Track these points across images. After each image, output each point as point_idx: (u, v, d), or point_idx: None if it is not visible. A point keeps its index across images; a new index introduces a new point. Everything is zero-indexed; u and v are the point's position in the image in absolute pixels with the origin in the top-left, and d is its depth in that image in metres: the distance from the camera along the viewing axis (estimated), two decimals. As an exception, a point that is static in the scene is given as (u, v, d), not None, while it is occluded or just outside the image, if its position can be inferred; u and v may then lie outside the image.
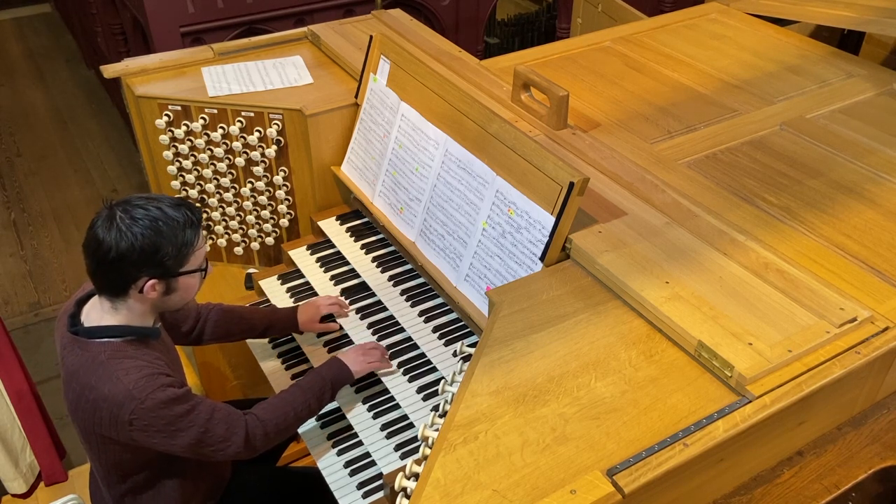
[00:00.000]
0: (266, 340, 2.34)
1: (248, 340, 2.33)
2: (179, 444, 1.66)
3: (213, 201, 2.69)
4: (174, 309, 1.77)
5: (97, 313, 1.70)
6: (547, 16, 6.28)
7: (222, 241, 2.79)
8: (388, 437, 1.94)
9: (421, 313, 2.13)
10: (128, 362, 1.63)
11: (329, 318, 2.22)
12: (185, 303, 1.75)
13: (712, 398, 1.46)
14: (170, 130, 2.55)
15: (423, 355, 2.05)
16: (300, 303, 2.24)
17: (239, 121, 2.49)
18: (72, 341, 1.68)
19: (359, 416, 2.00)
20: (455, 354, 1.93)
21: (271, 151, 2.50)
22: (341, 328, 2.21)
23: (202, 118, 2.51)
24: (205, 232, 2.72)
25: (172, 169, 2.64)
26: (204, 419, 1.67)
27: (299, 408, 1.85)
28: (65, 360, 1.70)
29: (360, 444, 1.99)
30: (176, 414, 1.63)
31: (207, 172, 2.63)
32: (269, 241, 2.75)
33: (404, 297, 2.19)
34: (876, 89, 2.57)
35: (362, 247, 2.40)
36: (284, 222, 2.66)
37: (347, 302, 2.25)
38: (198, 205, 2.69)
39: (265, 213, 2.68)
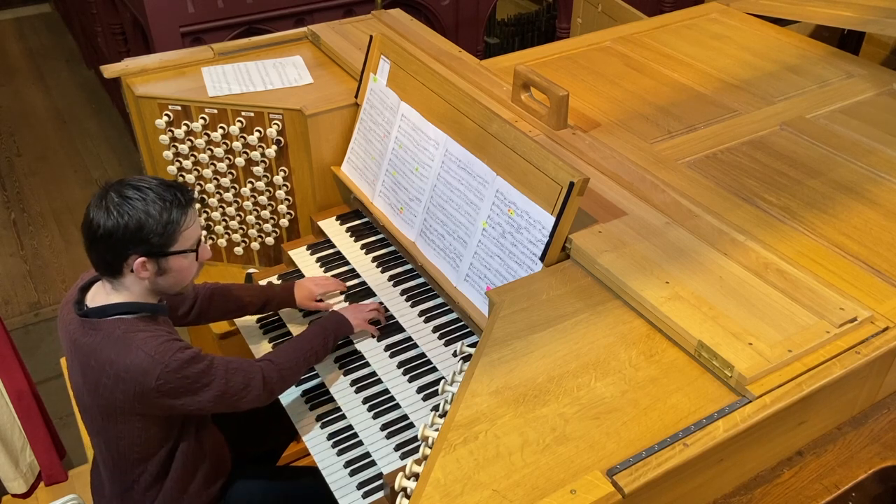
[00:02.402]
0: (266, 341, 2.34)
1: (246, 339, 2.34)
2: (206, 398, 1.73)
3: (213, 201, 2.69)
4: (171, 292, 1.80)
5: (103, 296, 1.75)
6: (547, 16, 6.29)
7: (222, 241, 2.79)
8: (388, 437, 1.94)
9: (421, 313, 2.13)
10: (142, 334, 1.69)
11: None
12: (181, 286, 1.79)
13: (712, 398, 1.46)
14: (170, 130, 2.55)
15: (423, 355, 2.05)
16: (296, 280, 2.28)
17: (239, 121, 2.49)
18: (82, 324, 1.72)
19: (359, 416, 2.00)
20: (455, 354, 1.93)
21: (271, 151, 2.50)
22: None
23: (202, 118, 2.51)
24: (209, 236, 2.74)
25: (172, 169, 2.64)
26: (223, 371, 1.76)
27: (307, 353, 1.98)
28: (77, 343, 1.73)
29: (360, 444, 1.99)
30: (198, 371, 1.70)
31: (207, 172, 2.63)
32: (269, 241, 2.75)
33: (404, 297, 2.19)
34: (876, 89, 2.57)
35: (362, 247, 2.40)
36: (284, 222, 2.66)
37: (343, 297, 2.26)
38: (197, 205, 2.69)
39: (265, 213, 2.68)
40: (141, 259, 1.66)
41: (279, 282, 2.45)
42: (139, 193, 1.65)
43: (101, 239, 1.64)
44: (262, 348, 2.30)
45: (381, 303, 2.20)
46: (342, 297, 2.27)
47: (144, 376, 1.65)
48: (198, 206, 2.69)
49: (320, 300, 2.25)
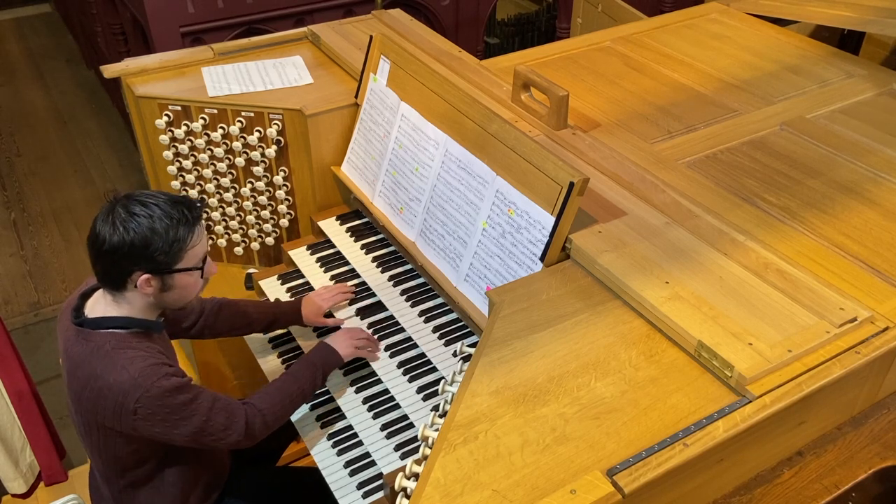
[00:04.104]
0: (266, 340, 2.34)
1: (247, 339, 2.34)
2: (182, 433, 1.68)
3: (213, 201, 2.69)
4: (174, 308, 1.78)
5: (101, 306, 1.73)
6: (547, 16, 6.29)
7: (222, 241, 2.79)
8: (388, 437, 1.94)
9: (421, 313, 2.13)
10: (132, 352, 1.66)
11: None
12: (185, 302, 1.76)
13: (712, 398, 1.46)
14: (170, 130, 2.55)
15: (423, 355, 2.05)
16: (303, 296, 2.25)
17: (239, 121, 2.49)
18: (76, 333, 1.70)
19: (359, 416, 2.00)
20: (455, 354, 1.93)
21: (271, 151, 2.50)
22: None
23: (202, 118, 2.51)
24: (209, 236, 2.74)
25: (172, 169, 2.64)
26: (206, 408, 1.70)
27: (294, 394, 1.90)
28: (69, 351, 1.71)
29: (360, 444, 1.99)
30: (179, 403, 1.65)
31: (207, 172, 2.63)
32: (269, 241, 2.75)
33: (404, 297, 2.19)
34: (876, 89, 2.57)
35: (362, 247, 2.40)
36: (284, 222, 2.66)
37: (347, 303, 2.25)
38: (198, 205, 2.69)
39: (265, 213, 2.68)
40: (145, 276, 1.65)
41: (279, 281, 2.45)
42: (146, 210, 1.63)
43: (107, 254, 1.62)
44: (271, 362, 2.28)
45: (380, 301, 2.20)
46: (352, 308, 2.25)
47: (124, 397, 1.62)
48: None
49: (330, 314, 2.22)
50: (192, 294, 1.76)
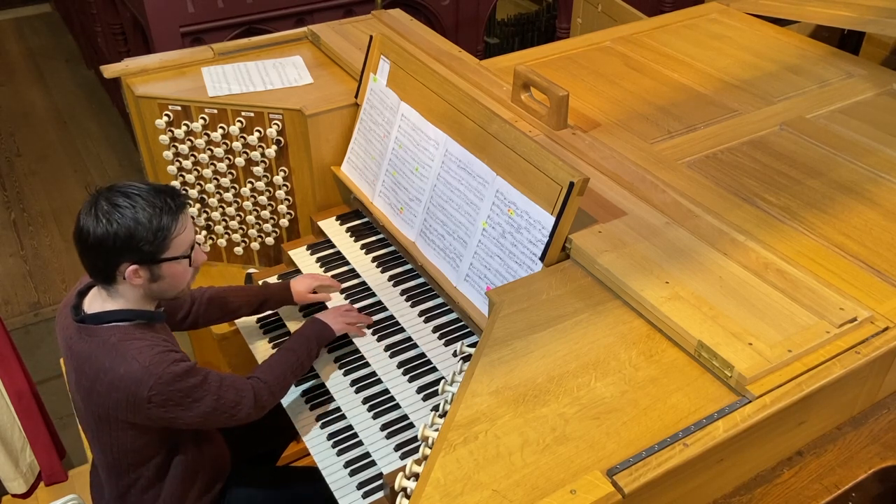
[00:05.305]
0: (266, 340, 2.34)
1: (246, 339, 2.34)
2: (196, 413, 1.72)
3: (213, 201, 2.69)
4: (167, 297, 1.79)
5: (99, 302, 1.74)
6: (547, 16, 6.29)
7: (222, 241, 2.79)
8: (388, 437, 1.94)
9: (421, 313, 2.13)
10: (138, 343, 1.67)
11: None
12: (177, 291, 1.77)
13: (712, 398, 1.46)
14: (170, 130, 2.56)
15: (423, 355, 2.05)
16: (291, 278, 2.29)
17: (239, 121, 2.49)
18: (78, 330, 1.71)
19: (359, 416, 2.00)
20: (455, 354, 1.93)
21: (271, 151, 2.50)
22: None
23: (202, 118, 2.51)
24: (209, 236, 2.75)
25: (172, 169, 2.64)
26: (216, 386, 1.75)
27: (294, 366, 1.98)
28: (72, 349, 1.72)
29: (360, 444, 1.99)
30: (191, 385, 1.69)
31: (207, 172, 2.63)
32: (269, 241, 2.75)
33: (404, 297, 2.19)
34: (876, 89, 2.57)
35: (362, 247, 2.40)
36: (284, 222, 2.66)
37: (348, 302, 2.26)
38: (197, 205, 2.69)
39: (265, 213, 2.68)
40: (133, 266, 1.65)
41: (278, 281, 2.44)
42: (129, 201, 1.62)
43: (92, 247, 1.62)
44: (262, 347, 2.29)
45: (380, 301, 2.20)
46: (342, 295, 2.26)
47: (137, 387, 1.63)
48: (197, 206, 2.70)
49: (317, 293, 2.25)
50: (184, 283, 1.77)
